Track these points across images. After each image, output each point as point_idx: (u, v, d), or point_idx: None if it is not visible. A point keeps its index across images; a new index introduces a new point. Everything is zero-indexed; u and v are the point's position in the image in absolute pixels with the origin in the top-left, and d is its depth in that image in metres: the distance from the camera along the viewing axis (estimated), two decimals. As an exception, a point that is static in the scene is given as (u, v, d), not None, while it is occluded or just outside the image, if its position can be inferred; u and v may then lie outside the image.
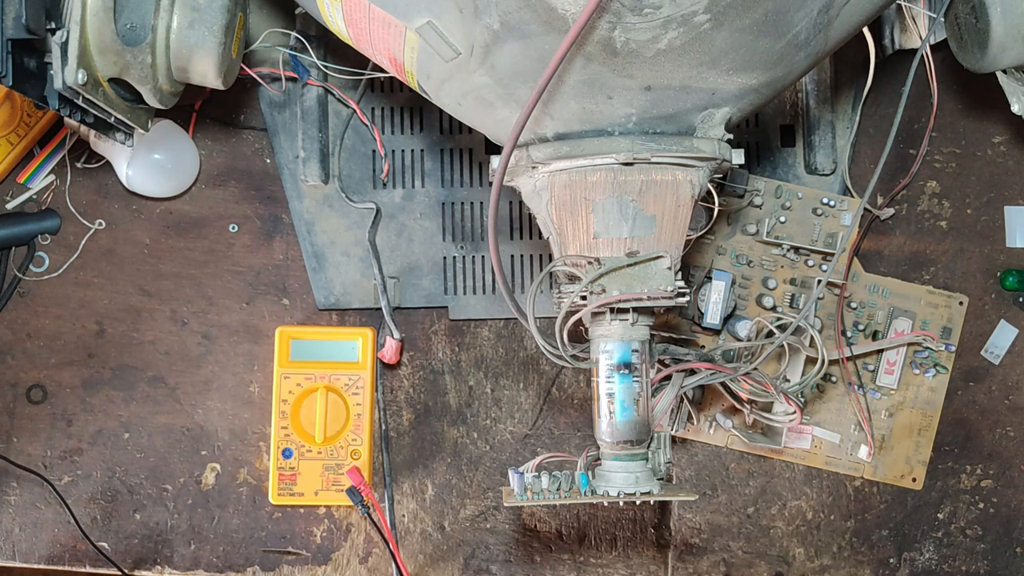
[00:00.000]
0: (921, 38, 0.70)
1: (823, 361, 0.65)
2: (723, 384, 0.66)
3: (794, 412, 0.65)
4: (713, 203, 0.62)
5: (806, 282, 0.72)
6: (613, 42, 0.48)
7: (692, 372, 0.65)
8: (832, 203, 0.73)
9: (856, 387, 0.73)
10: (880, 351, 0.73)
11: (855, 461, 0.73)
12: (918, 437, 0.73)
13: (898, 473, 0.73)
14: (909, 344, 0.73)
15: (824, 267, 0.73)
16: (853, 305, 0.73)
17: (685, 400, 0.70)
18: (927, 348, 0.73)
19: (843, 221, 0.73)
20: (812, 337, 0.66)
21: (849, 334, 0.73)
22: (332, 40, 0.73)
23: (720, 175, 0.58)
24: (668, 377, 0.64)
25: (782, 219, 0.73)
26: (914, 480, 0.73)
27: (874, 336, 0.73)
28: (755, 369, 0.64)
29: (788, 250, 0.73)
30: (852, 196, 0.73)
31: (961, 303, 0.73)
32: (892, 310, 0.73)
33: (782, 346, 0.69)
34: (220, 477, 0.75)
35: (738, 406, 0.68)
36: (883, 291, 0.73)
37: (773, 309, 0.73)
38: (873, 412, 0.73)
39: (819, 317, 0.73)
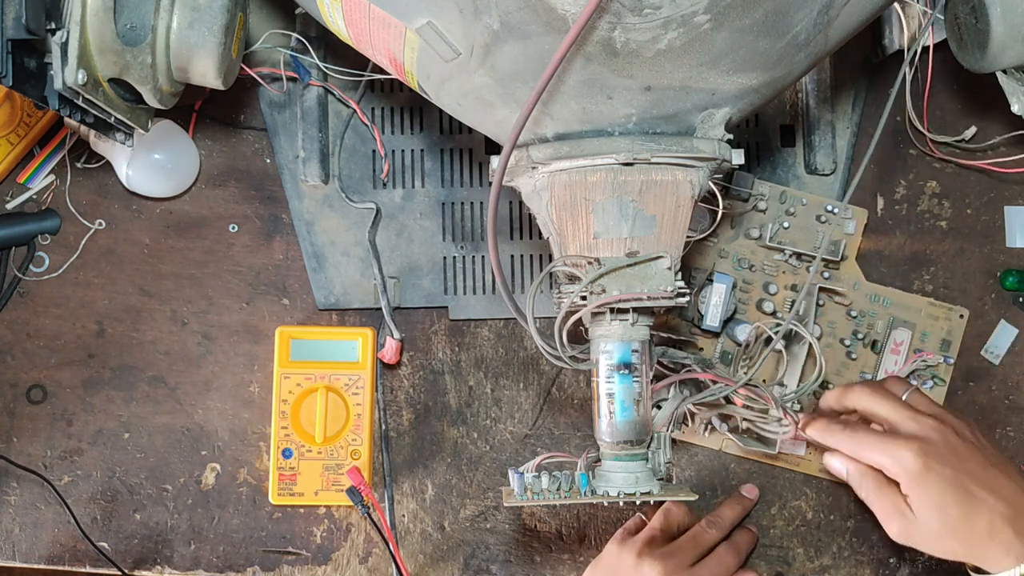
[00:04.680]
0: (914, 39, 0.70)
1: (821, 368, 0.65)
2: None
3: (789, 426, 0.65)
4: (717, 205, 0.62)
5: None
6: (613, 42, 0.48)
7: (694, 384, 0.65)
8: (836, 211, 0.72)
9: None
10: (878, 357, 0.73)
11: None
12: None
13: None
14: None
15: (826, 274, 0.72)
16: (853, 314, 0.73)
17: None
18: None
19: (847, 229, 0.72)
20: (811, 344, 0.66)
21: (848, 343, 0.73)
22: (332, 41, 0.73)
23: (720, 175, 0.58)
24: (668, 386, 0.64)
25: (785, 224, 0.72)
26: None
27: (873, 346, 0.73)
28: (759, 382, 0.64)
29: (790, 256, 0.72)
30: (850, 198, 0.73)
31: (961, 316, 0.72)
32: (892, 320, 0.73)
33: (782, 350, 0.69)
34: (220, 477, 0.75)
35: (732, 412, 0.67)
36: (884, 300, 0.73)
37: (773, 314, 0.73)
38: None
39: (819, 324, 0.72)
